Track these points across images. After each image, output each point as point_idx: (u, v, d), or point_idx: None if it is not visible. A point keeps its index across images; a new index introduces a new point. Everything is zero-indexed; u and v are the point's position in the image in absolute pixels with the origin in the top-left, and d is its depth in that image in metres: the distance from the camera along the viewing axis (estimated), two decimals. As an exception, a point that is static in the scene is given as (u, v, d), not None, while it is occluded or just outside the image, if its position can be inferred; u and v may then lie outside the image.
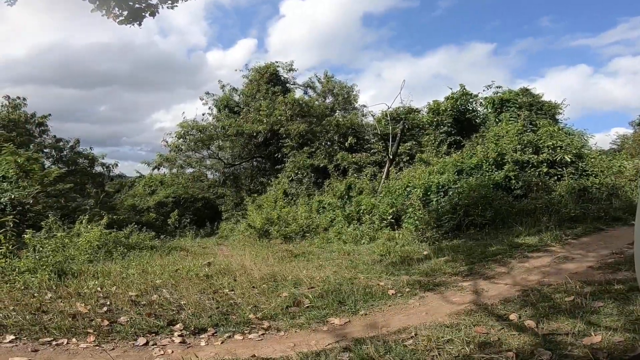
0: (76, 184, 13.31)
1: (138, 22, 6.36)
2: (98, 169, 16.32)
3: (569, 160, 8.67)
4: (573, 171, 8.60)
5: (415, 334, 2.54)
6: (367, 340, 2.46)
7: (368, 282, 4.07)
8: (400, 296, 3.58)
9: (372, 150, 13.32)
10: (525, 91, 11.94)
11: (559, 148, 8.89)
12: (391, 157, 10.95)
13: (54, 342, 2.67)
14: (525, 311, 2.81)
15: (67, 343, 2.66)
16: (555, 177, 8.53)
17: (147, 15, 6.41)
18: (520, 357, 2.05)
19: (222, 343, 2.71)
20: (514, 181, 8.15)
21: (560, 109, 12.09)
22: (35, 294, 3.70)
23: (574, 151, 8.97)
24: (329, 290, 3.78)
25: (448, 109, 12.04)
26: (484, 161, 8.73)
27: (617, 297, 2.87)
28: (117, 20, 6.25)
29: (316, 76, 18.78)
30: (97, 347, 2.60)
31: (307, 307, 3.42)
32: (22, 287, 3.93)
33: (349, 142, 13.51)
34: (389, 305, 3.37)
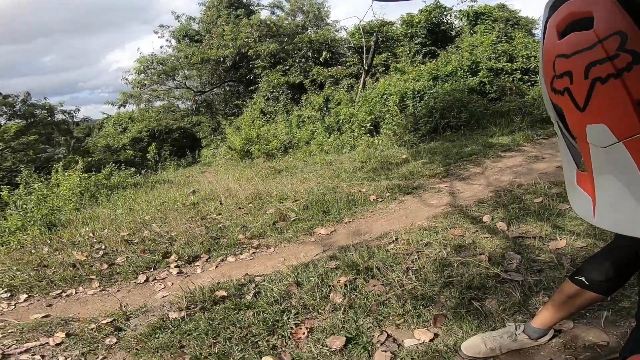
0: (41, 135, 12.76)
1: None
2: (60, 117, 15.53)
3: (542, 68, 9.33)
4: (546, 77, 9.27)
5: (396, 239, 2.68)
6: (351, 247, 2.61)
7: (350, 190, 4.18)
8: (382, 201, 3.70)
9: (347, 63, 13.07)
10: (502, 7, 12.14)
11: (533, 57, 9.45)
12: (366, 68, 10.77)
13: (63, 294, 2.77)
14: (497, 213, 2.94)
15: (76, 292, 2.77)
16: (529, 83, 9.09)
17: None
18: (492, 261, 2.18)
19: (216, 267, 2.85)
20: (488, 86, 8.44)
21: (537, 24, 12.32)
22: (33, 251, 3.76)
23: (548, 61, 9.54)
24: (314, 202, 3.88)
25: (422, 21, 11.85)
26: (459, 69, 8.87)
27: None
28: None
29: None
30: (104, 292, 2.72)
31: (294, 220, 3.54)
32: (18, 246, 3.98)
33: (323, 56, 13.07)
34: (371, 211, 3.51)
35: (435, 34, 12.07)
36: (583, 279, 1.33)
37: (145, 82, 16.46)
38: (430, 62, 10.36)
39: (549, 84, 0.63)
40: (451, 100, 7.38)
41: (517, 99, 8.21)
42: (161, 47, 17.04)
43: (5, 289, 2.90)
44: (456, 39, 12.06)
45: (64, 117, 15.76)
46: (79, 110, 16.50)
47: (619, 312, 1.69)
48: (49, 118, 15.16)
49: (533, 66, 9.24)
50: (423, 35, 12.03)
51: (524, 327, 1.55)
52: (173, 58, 16.44)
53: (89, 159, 9.93)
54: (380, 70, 12.14)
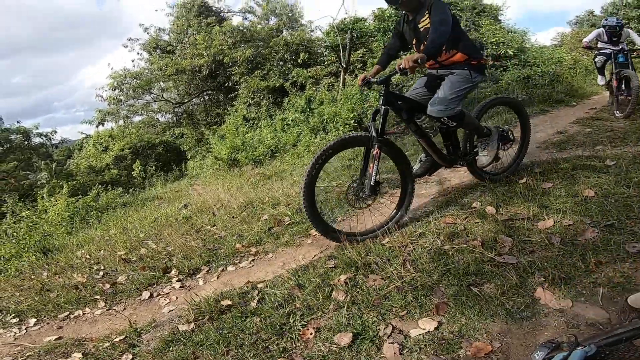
0: (20, 161, 12.50)
1: None
2: (37, 140, 15.19)
3: (512, 54, 9.78)
4: (516, 62, 9.52)
5: (390, 233, 2.77)
6: (347, 244, 2.68)
7: (342, 189, 4.25)
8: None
9: (325, 63, 13.17)
10: None
11: (501, 44, 9.63)
12: (344, 65, 10.89)
13: (71, 316, 2.78)
14: (485, 197, 3.04)
15: (83, 314, 2.77)
16: (501, 69, 9.60)
17: None
18: (485, 246, 2.27)
19: (217, 278, 2.89)
20: (461, 74, 8.71)
21: (502, 10, 13.06)
22: (32, 276, 3.74)
23: (516, 46, 9.99)
24: (306, 204, 3.93)
25: (393, 15, 11.95)
26: (433, 58, 9.06)
27: (563, 176, 3.12)
28: None
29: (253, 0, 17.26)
30: (111, 311, 2.73)
31: (289, 224, 3.60)
32: (17, 273, 3.95)
33: (301, 58, 13.06)
34: (362, 211, 3.57)
35: (407, 27, 12.24)
36: None
37: (121, 97, 16.14)
38: (405, 54, 10.46)
39: None
40: (430, 87, 7.60)
41: (492, 85, 8.46)
42: (133, 61, 16.97)
43: (13, 314, 2.90)
44: (427, 30, 12.34)
45: (42, 140, 15.42)
46: (55, 132, 16.10)
47: (614, 288, 1.77)
48: (26, 142, 14.81)
49: (502, 52, 9.52)
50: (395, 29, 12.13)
51: None
52: (147, 71, 16.17)
53: (74, 182, 9.78)
54: (358, 67, 12.22)
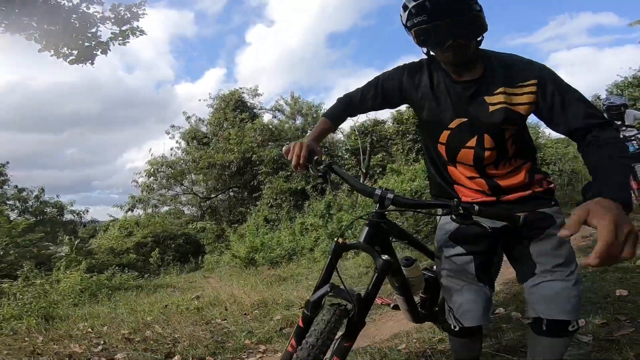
0: (47, 233, 12.93)
1: (90, 62, 6.24)
2: (68, 216, 15.88)
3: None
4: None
5: (407, 339, 2.67)
6: (360, 349, 2.55)
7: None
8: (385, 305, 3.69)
9: (346, 166, 13.36)
10: None
11: None
12: (364, 170, 11.09)
13: None
14: (510, 302, 2.97)
15: None
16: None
17: (98, 53, 6.28)
18: (512, 348, 2.20)
19: (223, 369, 2.73)
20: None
21: None
22: (26, 338, 3.60)
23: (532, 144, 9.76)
24: (321, 308, 3.83)
25: (411, 117, 12.31)
26: (450, 164, 9.17)
27: (593, 279, 3.13)
28: (68, 60, 6.10)
29: (283, 98, 18.56)
30: None
31: (302, 326, 3.46)
32: (11, 333, 3.82)
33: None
34: (379, 314, 3.49)
35: (424, 129, 12.47)
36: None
37: (154, 186, 16.76)
38: (423, 158, 10.52)
39: None
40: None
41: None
42: (171, 149, 17.49)
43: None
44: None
45: (73, 217, 16.09)
46: (87, 211, 16.95)
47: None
48: (58, 217, 15.48)
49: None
50: (413, 132, 12.12)
51: None
52: (182, 161, 16.79)
53: (92, 260, 9.88)
54: (377, 172, 12.27)
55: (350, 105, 1.65)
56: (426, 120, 1.50)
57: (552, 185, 1.52)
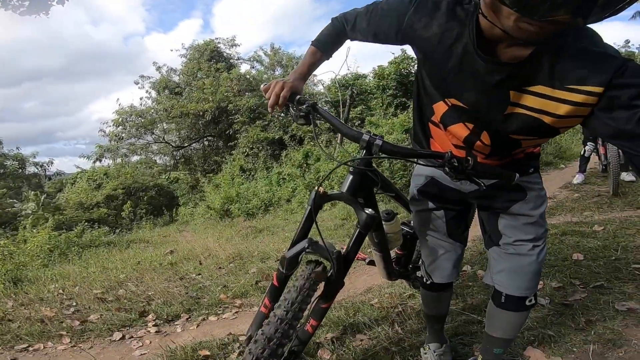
0: (9, 189, 12.36)
1: (45, 12, 5.83)
2: (31, 169, 15.14)
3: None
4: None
5: (380, 293, 2.75)
6: (336, 303, 2.61)
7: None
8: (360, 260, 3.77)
9: None
10: None
11: None
12: (343, 122, 11.15)
13: (30, 348, 2.58)
14: (476, 262, 3.10)
15: (44, 347, 2.58)
16: None
17: (54, 3, 5.85)
18: (475, 308, 2.30)
19: (197, 327, 2.75)
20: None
21: None
22: (-5, 304, 3.51)
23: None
24: (296, 260, 3.88)
25: (392, 73, 12.27)
26: (429, 120, 9.21)
27: (552, 242, 3.22)
28: (18, 12, 5.67)
29: (262, 50, 18.29)
30: (75, 347, 2.55)
31: (277, 278, 3.51)
32: (-22, 300, 3.70)
33: None
34: (354, 268, 3.54)
35: (405, 85, 12.31)
36: None
37: (123, 135, 16.20)
38: (402, 113, 10.49)
39: None
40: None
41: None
42: (141, 99, 17.02)
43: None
44: (425, 90, 12.77)
45: (36, 170, 15.37)
46: (52, 162, 16.19)
47: (605, 344, 1.79)
48: (20, 170, 14.75)
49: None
50: (394, 87, 12.20)
51: None
52: (152, 111, 16.33)
53: (60, 217, 9.57)
54: (356, 124, 12.37)
55: (342, 33, 1.40)
56: (425, 80, 1.22)
57: (537, 149, 1.32)
